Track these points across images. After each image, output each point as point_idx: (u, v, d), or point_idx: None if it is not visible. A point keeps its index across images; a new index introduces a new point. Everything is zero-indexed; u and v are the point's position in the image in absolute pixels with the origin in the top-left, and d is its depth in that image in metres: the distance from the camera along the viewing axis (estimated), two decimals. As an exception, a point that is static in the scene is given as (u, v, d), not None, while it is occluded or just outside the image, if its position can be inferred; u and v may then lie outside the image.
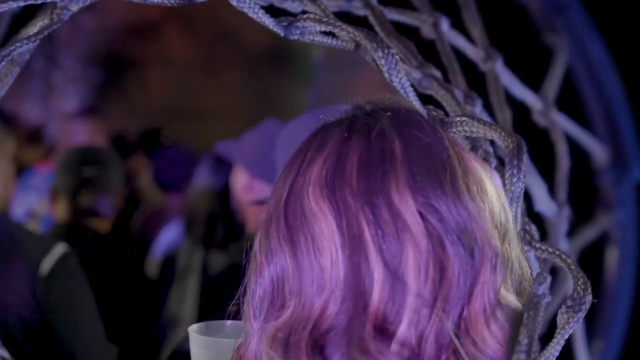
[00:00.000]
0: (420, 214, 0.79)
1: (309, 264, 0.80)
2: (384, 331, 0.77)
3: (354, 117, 0.86)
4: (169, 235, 3.59)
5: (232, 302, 0.87)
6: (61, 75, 9.40)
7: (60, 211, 2.69)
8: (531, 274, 0.89)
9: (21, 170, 3.61)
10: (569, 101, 2.07)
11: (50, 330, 1.97)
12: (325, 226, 0.80)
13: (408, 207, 0.78)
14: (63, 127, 5.40)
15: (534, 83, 1.79)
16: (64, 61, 9.39)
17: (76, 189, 2.66)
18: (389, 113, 0.85)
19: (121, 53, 9.56)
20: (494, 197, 0.84)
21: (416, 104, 0.95)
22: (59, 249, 2.05)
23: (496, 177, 0.88)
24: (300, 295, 0.80)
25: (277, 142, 1.54)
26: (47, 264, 1.99)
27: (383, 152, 0.81)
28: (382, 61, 0.96)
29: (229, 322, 0.98)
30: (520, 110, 1.68)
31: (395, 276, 0.77)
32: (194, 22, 9.79)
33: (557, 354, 0.85)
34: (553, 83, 1.89)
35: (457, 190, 0.80)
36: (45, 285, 1.97)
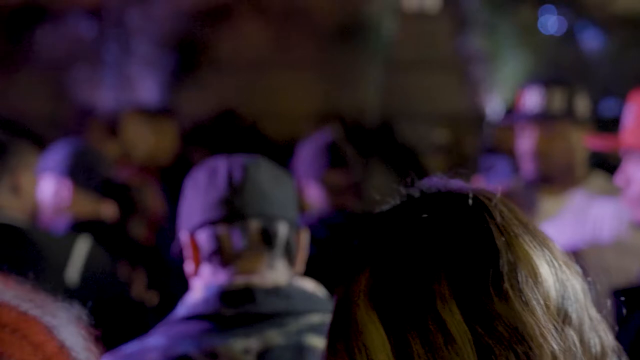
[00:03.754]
0: (466, 322, 0.77)
1: None
2: None
3: (399, 211, 0.85)
4: None
5: None
6: (135, 63, 9.42)
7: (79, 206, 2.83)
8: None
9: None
10: None
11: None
12: (377, 337, 0.78)
13: (453, 316, 0.77)
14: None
15: None
16: (138, 48, 9.41)
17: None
18: (425, 213, 0.82)
19: (193, 36, 9.54)
20: (551, 280, 0.81)
21: None
22: (82, 244, 2.11)
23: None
24: None
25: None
26: (74, 264, 2.06)
27: (425, 255, 0.80)
28: None
29: None
30: None
31: None
32: (264, 1, 9.72)
33: None
34: None
35: (504, 290, 0.78)
36: (80, 274, 2.05)
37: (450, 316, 0.77)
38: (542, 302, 0.79)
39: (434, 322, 0.77)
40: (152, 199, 3.83)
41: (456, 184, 0.86)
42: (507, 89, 11.31)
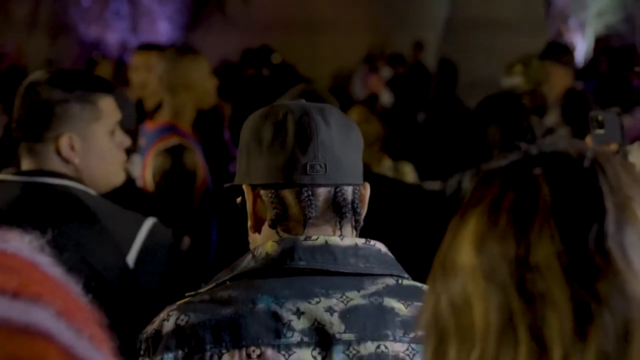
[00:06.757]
0: (565, 276, 0.82)
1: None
2: None
3: (513, 168, 0.90)
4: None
5: None
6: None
7: None
8: None
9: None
10: None
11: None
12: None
13: (551, 271, 0.82)
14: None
15: None
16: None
17: None
18: (539, 168, 0.88)
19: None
20: None
21: None
22: (148, 223, 2.21)
23: None
24: None
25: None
26: (137, 241, 2.16)
27: (533, 207, 0.85)
28: None
29: None
30: None
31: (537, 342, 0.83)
32: None
33: None
34: None
35: (607, 250, 0.82)
36: (137, 259, 2.13)
37: (548, 271, 0.81)
38: None
39: (533, 273, 0.82)
40: (193, 159, 3.44)
41: (576, 143, 0.90)
42: (597, 27, 10.39)
